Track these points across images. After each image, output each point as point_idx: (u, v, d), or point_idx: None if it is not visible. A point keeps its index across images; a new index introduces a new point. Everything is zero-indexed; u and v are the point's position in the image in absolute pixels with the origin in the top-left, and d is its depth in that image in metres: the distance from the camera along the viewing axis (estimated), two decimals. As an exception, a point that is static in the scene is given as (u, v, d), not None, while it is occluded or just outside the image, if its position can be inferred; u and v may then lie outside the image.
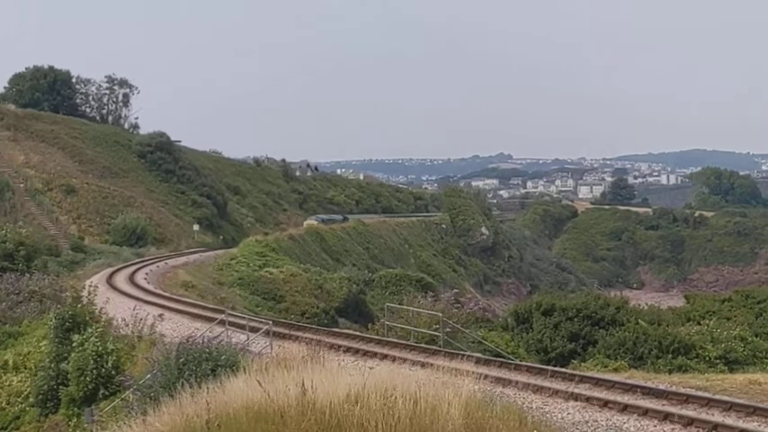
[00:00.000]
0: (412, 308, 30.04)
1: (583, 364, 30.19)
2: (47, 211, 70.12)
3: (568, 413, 15.73)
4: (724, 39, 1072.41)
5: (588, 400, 16.41)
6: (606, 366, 27.76)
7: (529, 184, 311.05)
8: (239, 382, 12.17)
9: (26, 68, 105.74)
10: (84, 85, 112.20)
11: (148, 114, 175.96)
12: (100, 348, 21.66)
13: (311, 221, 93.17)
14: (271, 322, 22.98)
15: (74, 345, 22.18)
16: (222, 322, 23.33)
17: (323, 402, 10.09)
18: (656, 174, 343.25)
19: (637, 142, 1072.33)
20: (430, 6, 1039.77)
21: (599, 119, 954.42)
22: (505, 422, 10.44)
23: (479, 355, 22.74)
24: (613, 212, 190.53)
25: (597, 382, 18.23)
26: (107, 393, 21.17)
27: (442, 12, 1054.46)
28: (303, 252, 76.50)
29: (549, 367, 21.42)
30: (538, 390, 17.37)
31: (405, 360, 20.68)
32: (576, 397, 16.63)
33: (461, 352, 21.41)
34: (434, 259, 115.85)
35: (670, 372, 26.04)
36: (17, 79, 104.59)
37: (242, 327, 22.90)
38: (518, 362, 22.81)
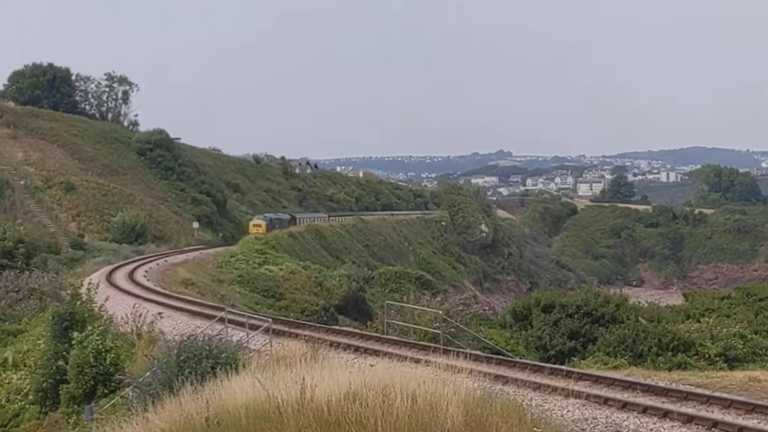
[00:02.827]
0: (412, 305, 30.05)
1: (582, 361, 30.23)
2: (46, 209, 70.14)
3: (568, 410, 15.73)
4: (724, 37, 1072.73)
5: (588, 397, 16.39)
6: (606, 364, 27.80)
7: (528, 181, 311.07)
8: (239, 380, 12.17)
9: (26, 66, 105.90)
10: (84, 83, 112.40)
11: (148, 112, 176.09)
12: (100, 346, 21.68)
13: (258, 222, 77.95)
14: (270, 320, 22.93)
15: (74, 342, 22.20)
16: (222, 320, 23.30)
17: (322, 400, 10.08)
18: (655, 171, 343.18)
19: (636, 140, 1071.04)
20: (429, 5, 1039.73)
21: (599, 116, 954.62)
22: (505, 419, 10.42)
23: (478, 352, 22.74)
24: (613, 210, 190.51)
25: (597, 380, 18.24)
26: (106, 391, 21.18)
27: (442, 10, 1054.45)
28: (303, 249, 76.59)
29: (548, 364, 21.43)
30: (537, 387, 17.36)
31: (404, 357, 20.65)
32: (575, 394, 16.62)
33: (460, 349, 21.41)
34: (434, 256, 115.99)
35: (670, 369, 26.08)
36: (17, 76, 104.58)
37: (241, 324, 22.87)
38: (517, 359, 22.82)
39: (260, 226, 76.05)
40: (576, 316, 36.16)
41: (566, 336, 35.26)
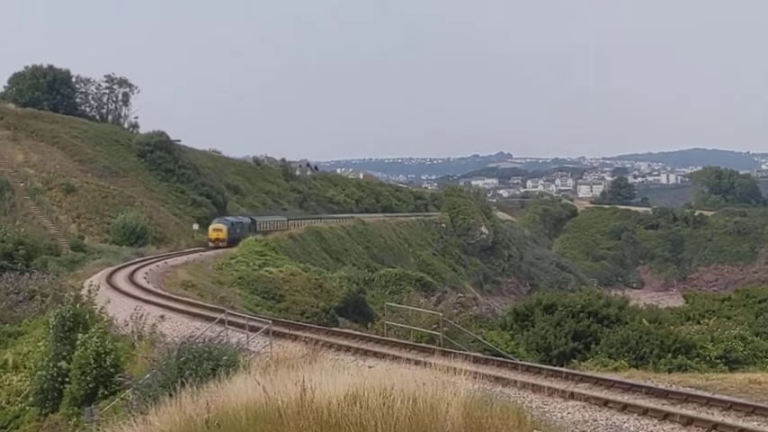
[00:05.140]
0: (411, 307, 30.06)
1: (583, 363, 30.20)
2: (46, 211, 70.15)
3: (568, 412, 15.72)
4: (724, 38, 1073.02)
5: (588, 399, 16.40)
6: (606, 366, 27.78)
7: (528, 183, 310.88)
8: (239, 382, 12.18)
9: (26, 68, 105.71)
10: (84, 85, 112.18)
11: (148, 114, 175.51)
12: (100, 348, 21.69)
13: (218, 226, 71.34)
14: (270, 321, 22.96)
15: (77, 344, 22.20)
16: (222, 321, 23.31)
17: (322, 402, 10.09)
18: (655, 173, 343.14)
19: (636, 141, 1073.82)
20: (428, 7, 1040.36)
21: (599, 118, 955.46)
22: (504, 421, 10.43)
23: (478, 354, 22.74)
24: (613, 212, 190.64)
25: (597, 382, 18.23)
26: (106, 393, 21.19)
27: (442, 11, 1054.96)
28: (303, 251, 76.55)
29: (548, 366, 21.41)
30: (537, 389, 17.36)
31: (404, 359, 20.66)
32: (575, 396, 16.62)
33: (460, 351, 21.40)
34: (434, 258, 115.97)
35: (670, 371, 26.08)
36: (17, 78, 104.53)
37: (242, 326, 22.87)
38: (517, 361, 22.81)
39: (220, 230, 70.25)
40: (581, 315, 36.10)
41: (569, 336, 35.19)
